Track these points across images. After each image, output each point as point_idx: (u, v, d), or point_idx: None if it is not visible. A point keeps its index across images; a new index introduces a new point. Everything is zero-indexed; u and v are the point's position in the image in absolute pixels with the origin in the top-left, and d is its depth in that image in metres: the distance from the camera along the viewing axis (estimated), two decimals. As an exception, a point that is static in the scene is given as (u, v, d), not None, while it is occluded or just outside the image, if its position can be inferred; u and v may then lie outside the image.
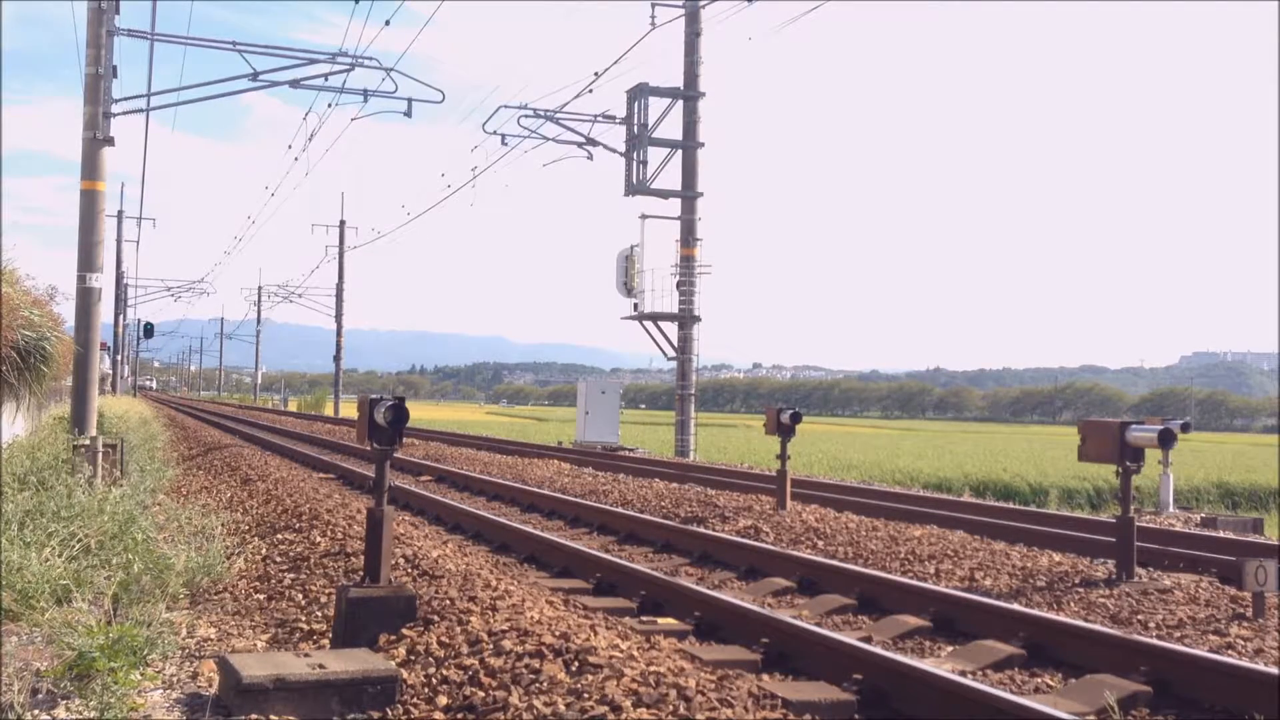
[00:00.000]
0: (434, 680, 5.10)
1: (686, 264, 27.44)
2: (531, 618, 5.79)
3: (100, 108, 15.38)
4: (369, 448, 6.18)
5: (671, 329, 28.10)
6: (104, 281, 15.73)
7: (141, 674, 5.10)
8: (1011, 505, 16.75)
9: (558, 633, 5.42)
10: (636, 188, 27.52)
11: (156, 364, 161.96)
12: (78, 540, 7.46)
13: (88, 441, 12.90)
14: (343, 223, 61.54)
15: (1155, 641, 6.23)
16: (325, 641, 6.13)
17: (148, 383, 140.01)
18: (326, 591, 7.23)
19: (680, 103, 27.64)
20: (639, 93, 27.74)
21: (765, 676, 5.78)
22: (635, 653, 5.16)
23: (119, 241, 61.52)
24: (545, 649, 5.16)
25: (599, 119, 28.81)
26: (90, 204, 15.43)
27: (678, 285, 27.58)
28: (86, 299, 15.25)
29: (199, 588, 7.55)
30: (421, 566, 7.61)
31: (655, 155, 27.77)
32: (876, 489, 17.75)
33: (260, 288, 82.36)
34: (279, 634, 6.53)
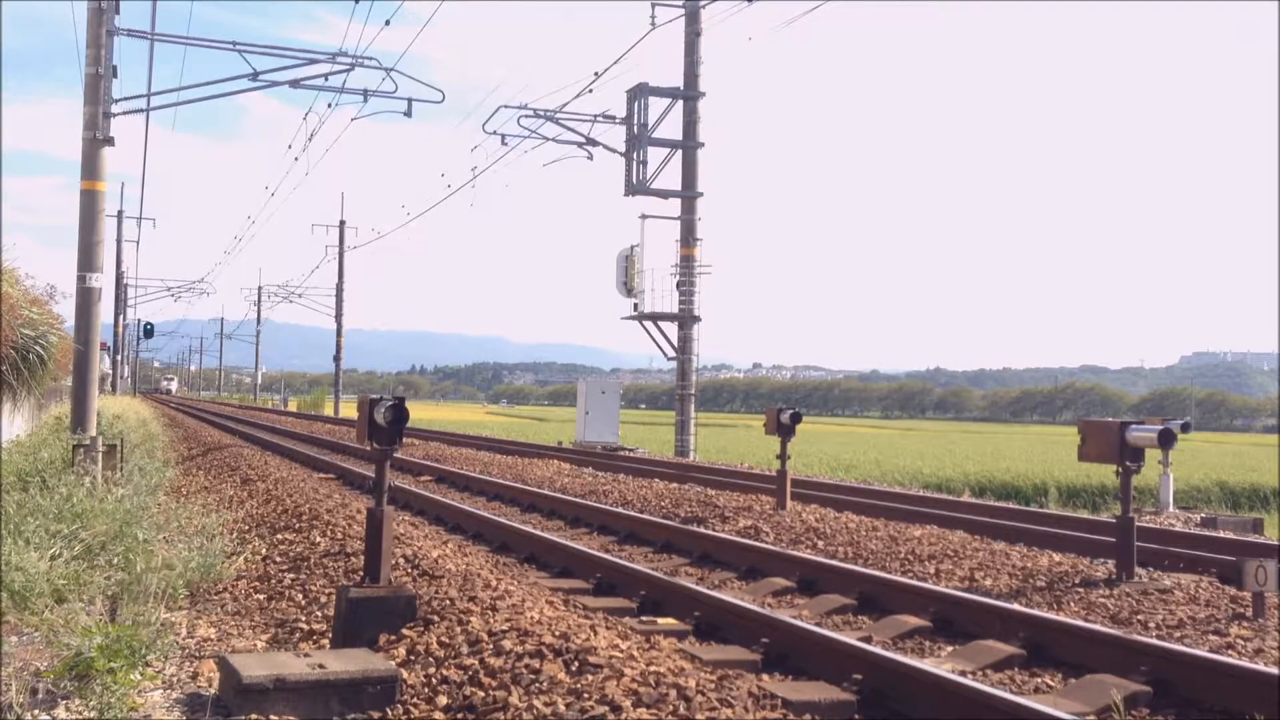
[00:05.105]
0: (434, 680, 5.10)
1: (686, 264, 27.44)
2: (531, 618, 5.78)
3: (100, 108, 15.37)
4: (369, 448, 6.19)
5: (671, 329, 28.10)
6: (104, 281, 15.73)
7: (141, 674, 5.10)
8: (1011, 505, 16.73)
9: (558, 633, 5.42)
10: (636, 188, 27.51)
11: (157, 364, 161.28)
12: (79, 540, 7.46)
13: (88, 441, 12.91)
14: (342, 223, 61.67)
15: (1155, 641, 6.22)
16: (325, 641, 6.13)
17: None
18: (326, 591, 7.23)
19: (680, 103, 27.64)
20: (639, 93, 27.73)
21: (765, 676, 5.78)
22: (635, 653, 5.16)
23: (119, 241, 61.55)
24: (545, 649, 5.16)
25: (599, 119, 28.79)
26: (90, 204, 15.42)
27: (678, 285, 27.58)
28: (86, 299, 15.25)
29: (199, 588, 7.55)
30: (421, 566, 7.61)
31: (655, 155, 27.77)
32: (876, 489, 17.74)
33: (260, 288, 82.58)
34: (279, 634, 6.53)
